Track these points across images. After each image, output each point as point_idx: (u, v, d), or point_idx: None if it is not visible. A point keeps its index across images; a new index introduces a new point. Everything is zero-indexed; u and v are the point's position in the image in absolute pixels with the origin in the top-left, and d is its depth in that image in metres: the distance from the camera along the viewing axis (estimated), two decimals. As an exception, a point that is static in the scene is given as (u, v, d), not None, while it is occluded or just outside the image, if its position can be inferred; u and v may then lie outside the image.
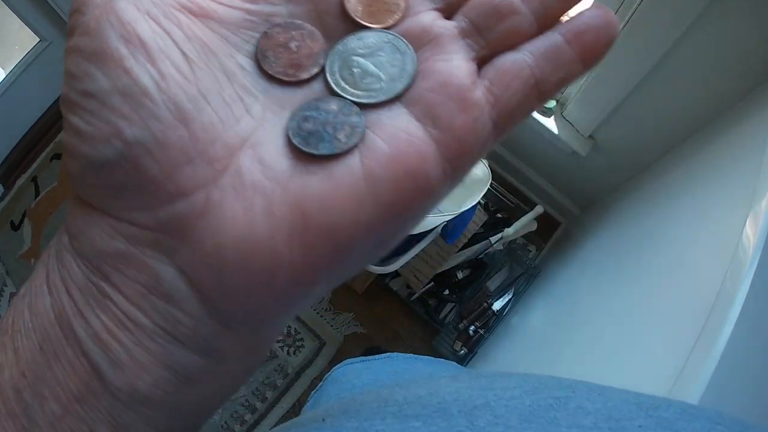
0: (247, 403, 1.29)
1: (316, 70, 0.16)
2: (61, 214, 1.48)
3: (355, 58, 0.16)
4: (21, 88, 1.47)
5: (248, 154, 0.14)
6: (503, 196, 1.29)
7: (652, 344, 0.59)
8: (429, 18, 0.16)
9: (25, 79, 1.47)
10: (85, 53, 0.14)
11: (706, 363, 0.44)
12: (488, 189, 0.95)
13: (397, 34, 0.16)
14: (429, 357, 0.53)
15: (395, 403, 0.21)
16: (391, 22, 0.16)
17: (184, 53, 0.14)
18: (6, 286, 1.47)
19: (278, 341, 1.32)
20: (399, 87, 0.15)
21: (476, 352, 1.15)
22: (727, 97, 0.77)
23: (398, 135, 0.14)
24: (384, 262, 0.91)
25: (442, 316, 1.24)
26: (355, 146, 0.14)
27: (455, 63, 0.15)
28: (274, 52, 0.15)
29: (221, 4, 0.15)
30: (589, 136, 1.03)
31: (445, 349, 1.19)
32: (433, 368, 0.48)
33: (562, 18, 0.16)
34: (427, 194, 0.14)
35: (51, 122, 1.56)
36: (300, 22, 0.16)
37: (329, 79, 0.16)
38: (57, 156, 1.55)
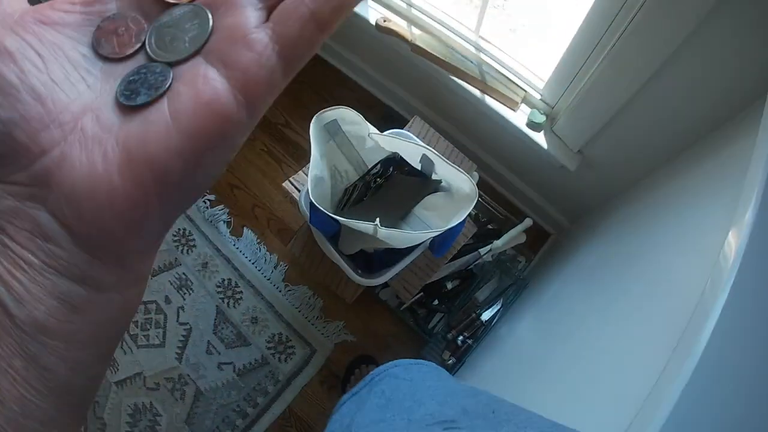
0: (238, 408, 1.30)
1: (138, 45, 0.20)
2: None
3: (166, 29, 0.20)
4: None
5: (89, 117, 0.18)
6: (493, 207, 1.30)
7: (634, 358, 0.60)
8: None
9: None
10: None
11: (676, 380, 0.45)
12: (478, 200, 0.96)
13: (197, 4, 0.20)
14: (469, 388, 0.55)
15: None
16: None
17: (38, 53, 0.19)
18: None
19: (269, 348, 1.33)
20: (198, 44, 0.19)
21: (464, 362, 1.16)
22: (714, 117, 0.78)
23: (195, 79, 0.18)
24: (373, 274, 0.92)
25: (431, 325, 1.25)
26: (163, 94, 0.18)
27: (244, 14, 0.19)
28: (106, 39, 0.20)
29: (65, 12, 0.20)
30: (578, 151, 1.04)
31: (434, 358, 1.20)
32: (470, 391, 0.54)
33: None
34: (225, 122, 0.18)
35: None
36: (125, 12, 0.20)
37: (147, 49, 0.20)
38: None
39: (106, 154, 0.18)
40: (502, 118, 1.06)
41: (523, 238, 1.23)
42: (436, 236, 0.86)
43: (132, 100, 0.19)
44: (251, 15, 0.19)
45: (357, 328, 1.35)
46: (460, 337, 1.18)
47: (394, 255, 0.93)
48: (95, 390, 0.21)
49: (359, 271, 0.92)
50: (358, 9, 1.13)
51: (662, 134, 0.88)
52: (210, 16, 0.20)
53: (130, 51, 0.20)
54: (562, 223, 1.32)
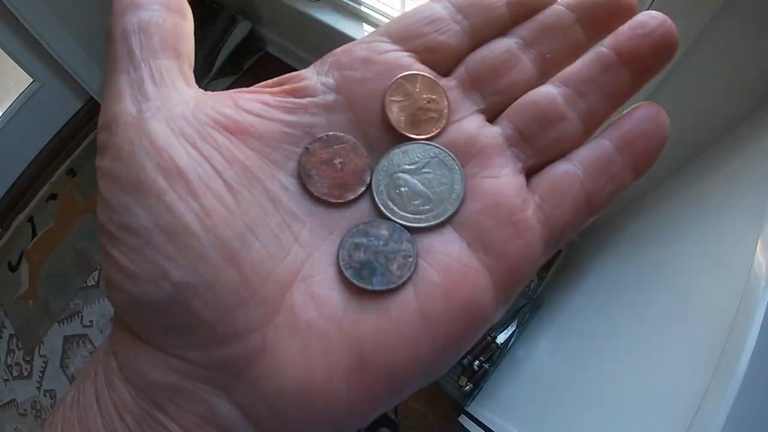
0: None
1: (362, 189, 0.15)
2: (57, 256, 1.47)
3: (402, 175, 0.15)
4: (15, 129, 1.47)
5: (300, 290, 0.14)
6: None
7: (662, 385, 0.58)
8: (473, 125, 0.16)
9: (20, 120, 1.47)
10: (121, 182, 0.13)
11: (720, 405, 0.43)
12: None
13: (443, 148, 0.15)
14: None
15: None
16: (434, 131, 0.16)
17: (225, 182, 0.13)
18: (5, 327, 1.45)
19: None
20: (449, 210, 0.15)
21: (482, 387, 1.13)
22: (730, 118, 0.76)
23: (451, 265, 0.14)
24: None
25: (445, 349, 1.22)
26: (409, 278, 0.14)
27: (504, 180, 0.15)
28: (317, 171, 0.15)
29: (259, 116, 0.15)
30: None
31: (450, 385, 1.17)
32: None
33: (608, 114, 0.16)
34: (481, 324, 0.14)
35: (46, 162, 1.56)
36: (342, 135, 0.15)
37: (377, 199, 0.15)
38: (53, 196, 1.54)
39: (329, 353, 0.13)
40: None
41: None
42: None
43: (365, 281, 0.14)
44: (512, 181, 0.15)
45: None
46: (476, 362, 1.15)
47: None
48: None
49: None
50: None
51: (676, 138, 0.85)
52: (461, 171, 0.15)
53: (352, 196, 0.15)
54: (573, 237, 1.29)
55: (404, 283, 0.14)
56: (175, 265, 0.12)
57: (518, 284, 0.14)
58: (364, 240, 0.14)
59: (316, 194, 0.15)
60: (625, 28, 0.15)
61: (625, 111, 0.16)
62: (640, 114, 0.15)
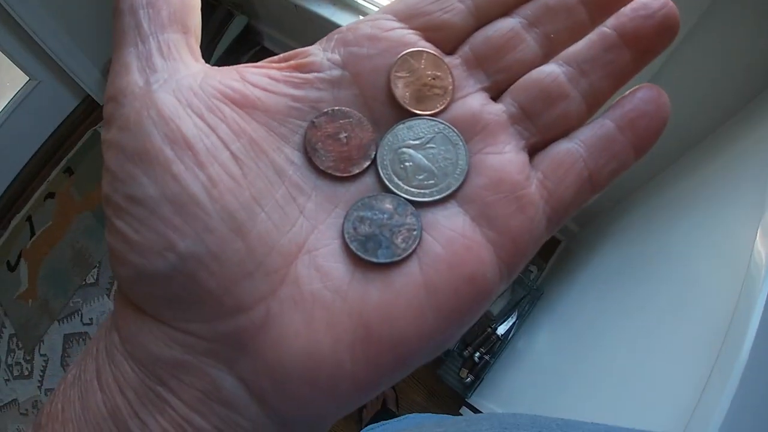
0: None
1: (367, 163, 0.15)
2: (56, 254, 1.47)
3: (406, 150, 0.15)
4: (12, 128, 1.46)
5: (305, 262, 0.14)
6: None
7: (664, 372, 0.58)
8: (477, 102, 0.16)
9: (16, 119, 1.46)
10: (127, 152, 0.13)
11: (722, 395, 0.43)
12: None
13: (448, 124, 0.15)
14: (442, 415, 0.52)
15: None
16: (439, 107, 0.16)
17: (232, 153, 0.13)
18: (5, 327, 1.45)
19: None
20: (453, 184, 0.15)
21: (483, 379, 1.13)
22: (729, 104, 0.76)
23: (455, 238, 0.14)
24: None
25: (446, 342, 1.22)
26: (414, 252, 0.14)
27: (507, 156, 0.15)
28: (323, 144, 0.15)
29: (265, 90, 0.15)
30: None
31: (451, 377, 1.17)
32: (436, 419, 0.48)
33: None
34: (486, 297, 0.14)
35: (44, 161, 1.56)
36: (347, 109, 0.15)
37: (381, 173, 0.15)
38: (50, 195, 1.53)
39: (334, 324, 0.13)
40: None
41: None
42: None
43: (370, 254, 0.14)
44: (515, 157, 0.15)
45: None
46: (477, 354, 1.15)
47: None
48: None
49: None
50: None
51: (675, 126, 0.85)
52: (465, 147, 0.15)
53: (357, 170, 0.15)
54: (572, 227, 1.29)
55: (409, 256, 0.14)
56: (180, 235, 0.12)
57: (521, 259, 0.15)
58: (369, 213, 0.14)
59: (321, 168, 0.15)
60: (628, 9, 0.15)
61: (626, 92, 0.16)
62: (642, 95, 0.15)
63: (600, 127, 0.15)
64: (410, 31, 0.16)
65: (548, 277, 1.30)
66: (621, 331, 0.77)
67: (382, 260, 0.14)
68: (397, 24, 0.16)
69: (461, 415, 1.08)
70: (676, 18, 0.15)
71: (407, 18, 0.16)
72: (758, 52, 0.67)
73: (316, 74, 0.15)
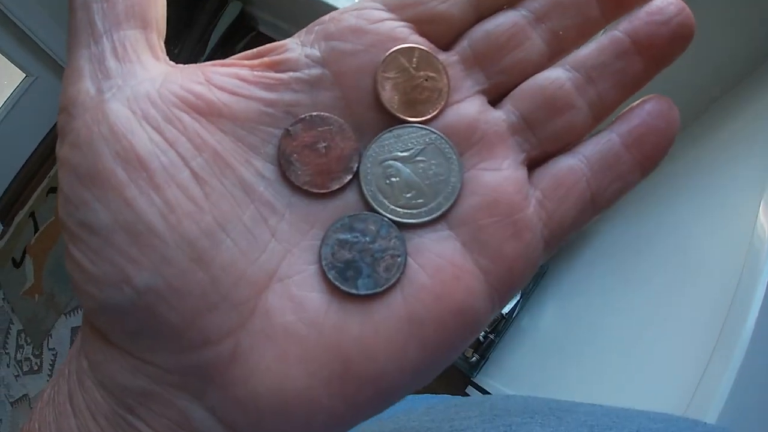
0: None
1: (348, 177, 0.14)
2: (60, 248, 1.47)
3: (393, 163, 0.14)
4: (11, 124, 1.47)
5: (277, 291, 0.13)
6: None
7: (668, 350, 0.57)
8: (474, 108, 0.14)
9: (15, 115, 1.47)
10: (78, 173, 0.12)
11: (723, 375, 0.42)
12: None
13: (441, 134, 0.14)
14: (440, 396, 0.51)
15: None
16: (432, 113, 0.14)
17: (192, 171, 0.12)
18: (12, 324, 1.46)
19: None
20: (444, 205, 0.13)
21: (488, 358, 1.13)
22: (730, 76, 0.74)
23: (443, 267, 0.13)
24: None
25: (451, 323, 1.22)
26: (397, 281, 0.13)
27: (505, 173, 0.14)
28: (299, 156, 0.13)
29: (233, 94, 0.13)
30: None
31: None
32: (426, 402, 0.48)
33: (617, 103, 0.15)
34: (475, 329, 0.13)
35: (45, 156, 1.56)
36: (327, 115, 0.14)
37: (364, 190, 0.14)
38: (53, 190, 1.54)
39: (309, 360, 0.12)
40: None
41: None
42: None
43: (350, 284, 0.13)
44: (516, 174, 0.13)
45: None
46: (482, 333, 1.15)
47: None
48: None
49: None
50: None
51: (675, 99, 0.84)
52: (459, 162, 0.14)
53: (337, 186, 0.14)
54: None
55: (392, 286, 0.13)
56: (137, 267, 0.11)
57: (515, 287, 0.14)
58: (349, 236, 0.13)
59: (296, 183, 0.13)
60: (642, 13, 0.14)
61: (635, 102, 0.15)
62: (651, 108, 0.14)
63: (605, 142, 0.14)
64: (401, 23, 0.14)
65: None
66: (625, 307, 0.77)
67: (362, 292, 0.13)
68: (386, 14, 0.14)
69: (468, 395, 1.08)
70: (693, 27, 0.14)
71: (398, 8, 0.14)
72: (757, 25, 0.66)
73: (292, 74, 0.14)
